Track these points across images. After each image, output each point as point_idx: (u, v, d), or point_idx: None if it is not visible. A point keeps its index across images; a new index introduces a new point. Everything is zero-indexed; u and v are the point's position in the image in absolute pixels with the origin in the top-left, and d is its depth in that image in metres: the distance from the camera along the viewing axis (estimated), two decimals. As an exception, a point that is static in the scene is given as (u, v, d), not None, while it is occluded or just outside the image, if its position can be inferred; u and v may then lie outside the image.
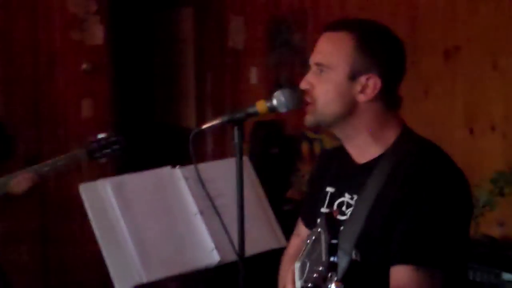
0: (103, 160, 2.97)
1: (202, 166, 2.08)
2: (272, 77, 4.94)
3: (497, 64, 3.40)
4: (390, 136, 1.80)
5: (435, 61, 3.66)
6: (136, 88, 6.20)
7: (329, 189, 1.89)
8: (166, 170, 2.38)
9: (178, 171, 2.37)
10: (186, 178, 2.34)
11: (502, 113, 3.40)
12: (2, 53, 4.31)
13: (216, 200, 2.06)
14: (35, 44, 4.39)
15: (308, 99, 1.80)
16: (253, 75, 5.14)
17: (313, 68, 1.82)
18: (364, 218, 1.69)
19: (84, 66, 4.56)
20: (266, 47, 4.99)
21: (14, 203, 3.35)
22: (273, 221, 2.48)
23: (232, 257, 2.14)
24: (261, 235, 2.37)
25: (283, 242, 2.40)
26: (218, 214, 1.99)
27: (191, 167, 2.27)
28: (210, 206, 2.07)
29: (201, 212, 2.28)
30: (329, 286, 1.23)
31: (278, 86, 4.65)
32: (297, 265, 1.46)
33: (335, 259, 1.24)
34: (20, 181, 2.90)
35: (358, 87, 1.76)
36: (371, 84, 1.76)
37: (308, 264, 1.37)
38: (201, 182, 2.01)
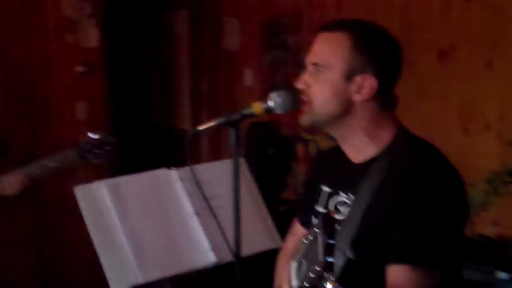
0: (95, 161, 2.94)
1: (198, 167, 2.09)
2: (267, 78, 4.94)
3: (491, 64, 3.41)
4: (386, 135, 1.81)
5: (430, 61, 3.67)
6: (131, 90, 6.20)
7: (325, 188, 1.90)
8: (162, 171, 2.38)
9: (174, 173, 2.37)
10: (182, 180, 2.34)
11: (497, 113, 3.41)
12: (-3, 56, 4.32)
13: (212, 201, 2.06)
14: (30, 47, 4.38)
15: (304, 99, 1.81)
16: (248, 77, 5.14)
17: (310, 68, 1.82)
18: (359, 217, 1.70)
19: (79, 68, 4.56)
20: (261, 49, 4.99)
21: (8, 205, 3.34)
22: (269, 222, 2.48)
23: (228, 257, 2.14)
24: (257, 236, 2.38)
25: (279, 242, 2.40)
26: (214, 215, 2.00)
27: (186, 169, 2.27)
28: (206, 207, 2.07)
29: (197, 213, 2.28)
30: (325, 286, 1.24)
31: (273, 87, 4.65)
32: (294, 264, 1.46)
33: (332, 259, 1.25)
34: (11, 183, 2.89)
35: (354, 87, 1.77)
36: (367, 84, 1.76)
37: (305, 264, 1.37)
38: (197, 184, 2.01)
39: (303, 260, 1.38)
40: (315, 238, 1.31)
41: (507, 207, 3.19)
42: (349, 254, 1.65)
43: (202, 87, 5.64)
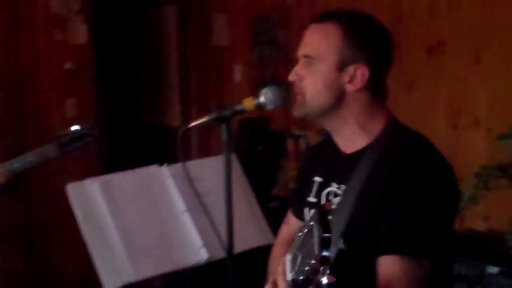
0: (76, 153, 2.89)
1: (189, 164, 2.09)
2: (256, 74, 4.94)
3: (480, 59, 3.42)
4: (377, 126, 1.81)
5: (418, 57, 3.68)
6: (120, 87, 6.18)
7: (317, 179, 1.91)
8: (153, 168, 2.37)
9: (165, 170, 2.36)
10: (174, 176, 2.33)
11: (486, 108, 3.42)
12: (-16, 54, 4.29)
13: (203, 198, 2.07)
14: (18, 44, 4.35)
15: (297, 91, 1.81)
16: (237, 73, 5.14)
17: (301, 60, 1.82)
18: (350, 208, 1.71)
19: (67, 65, 4.54)
20: (250, 45, 4.99)
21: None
22: (260, 218, 2.48)
23: (220, 254, 2.14)
24: (249, 232, 2.38)
25: (270, 239, 2.40)
26: (206, 211, 2.00)
27: (178, 166, 2.28)
28: (197, 204, 2.08)
29: (189, 210, 2.28)
30: (321, 279, 1.24)
31: (262, 83, 4.65)
32: (289, 257, 1.45)
33: (328, 252, 1.25)
34: None
35: (346, 77, 1.77)
36: (359, 74, 1.76)
37: (299, 257, 1.36)
38: (189, 180, 2.01)
39: (298, 253, 1.38)
40: (311, 231, 1.31)
41: (496, 202, 3.21)
42: (340, 244, 1.65)
43: (191, 83, 5.63)
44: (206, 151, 5.23)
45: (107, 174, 2.35)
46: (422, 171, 1.69)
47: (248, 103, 1.84)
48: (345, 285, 1.32)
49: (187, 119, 5.46)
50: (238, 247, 1.94)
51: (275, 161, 4.62)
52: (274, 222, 2.37)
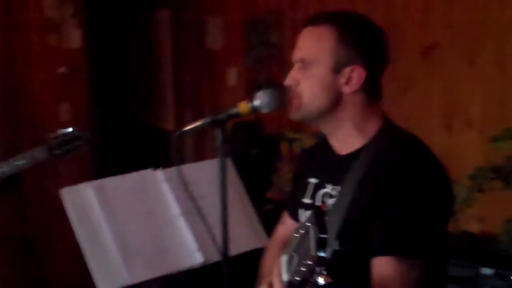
0: (67, 156, 2.86)
1: (184, 167, 2.09)
2: (250, 77, 4.94)
3: (473, 62, 3.44)
4: (373, 127, 1.82)
5: (412, 60, 3.69)
6: (114, 91, 6.17)
7: (312, 180, 1.91)
8: (148, 172, 2.37)
9: (160, 173, 2.36)
10: (168, 180, 2.33)
11: (479, 110, 3.44)
12: (-22, 58, 4.28)
13: (198, 201, 2.07)
14: (11, 48, 4.35)
15: (293, 95, 1.81)
16: (232, 76, 5.14)
17: (296, 64, 1.82)
18: (345, 209, 1.71)
19: (61, 70, 4.54)
20: (244, 48, 4.99)
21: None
22: (255, 221, 2.48)
23: (215, 257, 2.14)
24: (244, 235, 2.38)
25: (265, 241, 2.40)
26: (201, 215, 2.00)
27: (172, 169, 2.27)
28: (192, 208, 2.07)
29: (184, 214, 2.28)
30: (317, 280, 1.24)
31: (257, 86, 4.66)
32: (284, 258, 1.45)
33: (324, 253, 1.25)
34: None
35: (343, 79, 1.77)
36: (355, 75, 1.76)
37: (296, 258, 1.36)
38: (184, 184, 2.01)
39: (294, 254, 1.38)
40: (307, 232, 1.31)
41: (491, 204, 3.22)
42: (335, 245, 1.65)
43: (185, 87, 5.63)
44: (200, 154, 5.23)
45: (102, 178, 2.34)
46: (416, 173, 1.69)
47: (243, 107, 1.84)
48: (341, 285, 1.32)
49: (181, 122, 5.46)
50: (233, 250, 1.94)
51: (269, 164, 4.63)
52: (269, 225, 2.37)
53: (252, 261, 2.20)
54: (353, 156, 1.79)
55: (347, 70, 1.76)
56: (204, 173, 2.31)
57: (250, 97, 1.85)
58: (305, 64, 1.79)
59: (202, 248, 2.23)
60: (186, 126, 1.92)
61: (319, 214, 1.30)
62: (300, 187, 1.95)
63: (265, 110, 1.83)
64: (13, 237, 4.37)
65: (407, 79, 3.71)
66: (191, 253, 2.24)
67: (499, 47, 3.34)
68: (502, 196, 3.11)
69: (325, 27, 1.78)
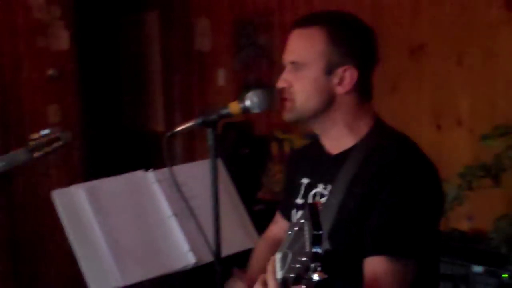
0: (47, 157, 2.83)
1: (175, 168, 2.08)
2: (239, 78, 4.95)
3: (461, 61, 3.46)
4: (364, 127, 1.82)
5: (401, 58, 3.71)
6: (103, 93, 6.16)
7: (304, 180, 1.91)
8: (139, 174, 2.36)
9: (151, 175, 2.36)
10: (159, 181, 2.33)
11: (468, 108, 3.45)
12: (-34, 60, 4.26)
13: (190, 202, 2.07)
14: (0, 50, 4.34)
15: (286, 96, 1.81)
16: (221, 77, 5.14)
17: (288, 66, 1.82)
18: (336, 208, 1.71)
19: (50, 72, 4.52)
20: (233, 49, 4.99)
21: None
22: (247, 222, 2.48)
23: (207, 258, 2.14)
24: (236, 236, 2.38)
25: (257, 242, 2.40)
26: (193, 215, 2.00)
27: (164, 170, 2.27)
28: (184, 209, 2.07)
29: (176, 215, 2.27)
30: (312, 276, 1.24)
31: (246, 87, 4.66)
32: (278, 256, 1.45)
33: (319, 249, 1.25)
34: None
35: (335, 80, 1.77)
36: (348, 75, 1.77)
37: (290, 255, 1.36)
38: (176, 185, 2.01)
39: (288, 251, 1.38)
40: (301, 229, 1.31)
41: (480, 202, 3.23)
42: (326, 245, 1.66)
43: (174, 88, 5.62)
44: (190, 155, 5.23)
45: (93, 180, 2.34)
46: (406, 172, 1.69)
47: (234, 107, 1.84)
48: (335, 282, 1.33)
49: (170, 124, 5.46)
50: (225, 251, 1.94)
51: (260, 165, 4.63)
52: (260, 225, 2.37)
53: (244, 261, 2.20)
54: (345, 155, 1.79)
55: (339, 70, 1.77)
56: (195, 174, 2.30)
57: (240, 98, 1.85)
58: (297, 66, 1.79)
59: (194, 248, 2.23)
60: (176, 127, 1.92)
61: (313, 211, 1.30)
62: (292, 188, 1.96)
63: (255, 110, 1.83)
64: (4, 240, 4.36)
65: (396, 79, 3.73)
66: (183, 253, 2.24)
67: (486, 46, 3.36)
68: (492, 194, 3.13)
69: (315, 28, 1.78)
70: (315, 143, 1.93)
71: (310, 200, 1.86)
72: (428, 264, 1.76)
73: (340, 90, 1.78)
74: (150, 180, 2.34)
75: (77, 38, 4.67)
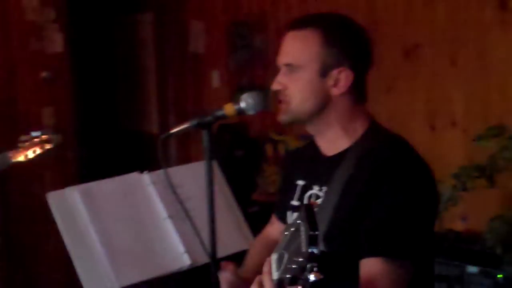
0: (38, 159, 2.81)
1: (170, 170, 2.08)
2: (234, 80, 4.95)
3: (455, 61, 3.47)
4: (359, 128, 1.82)
5: (395, 59, 3.72)
6: (97, 95, 6.15)
7: (300, 182, 1.91)
8: (134, 175, 2.36)
9: (146, 177, 2.35)
10: (154, 183, 2.32)
11: (462, 109, 3.47)
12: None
13: (185, 203, 2.06)
14: (-6, 53, 4.33)
15: (281, 99, 1.81)
16: (215, 79, 5.14)
17: (283, 68, 1.82)
18: (331, 209, 1.71)
19: (44, 74, 4.52)
20: (227, 51, 5.00)
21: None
22: (242, 223, 2.48)
23: (203, 259, 2.14)
24: (231, 237, 2.37)
25: (252, 243, 2.41)
26: (189, 217, 2.00)
27: (159, 172, 2.27)
28: (179, 210, 2.07)
29: (171, 217, 2.27)
30: (308, 276, 1.24)
31: (240, 89, 4.67)
32: (274, 256, 1.45)
33: (316, 249, 1.25)
34: None
35: (330, 82, 1.77)
36: (343, 77, 1.77)
37: (286, 256, 1.36)
38: (171, 187, 2.01)
39: (284, 252, 1.38)
40: (297, 229, 1.31)
41: (474, 202, 3.24)
42: (321, 246, 1.66)
43: (169, 90, 5.62)
44: (185, 156, 5.23)
45: (88, 182, 2.33)
46: (401, 174, 1.70)
47: (229, 109, 1.84)
48: (331, 282, 1.33)
49: (165, 125, 5.45)
50: (220, 252, 1.94)
51: (254, 166, 4.63)
52: (255, 227, 2.37)
53: (239, 263, 2.20)
54: (340, 157, 1.79)
55: (334, 72, 1.76)
56: (190, 176, 2.30)
57: (235, 99, 1.85)
58: (292, 68, 1.79)
59: (189, 250, 2.23)
60: (171, 129, 1.92)
61: (309, 211, 1.30)
62: (288, 189, 1.96)
63: (250, 112, 1.83)
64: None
65: (390, 79, 3.73)
66: (178, 255, 2.24)
67: (479, 47, 3.37)
68: (486, 194, 3.14)
69: (310, 30, 1.78)
70: (310, 144, 1.93)
71: (305, 202, 1.86)
72: (423, 265, 1.77)
73: (335, 91, 1.78)
74: (145, 182, 2.34)
75: (71, 40, 4.67)
